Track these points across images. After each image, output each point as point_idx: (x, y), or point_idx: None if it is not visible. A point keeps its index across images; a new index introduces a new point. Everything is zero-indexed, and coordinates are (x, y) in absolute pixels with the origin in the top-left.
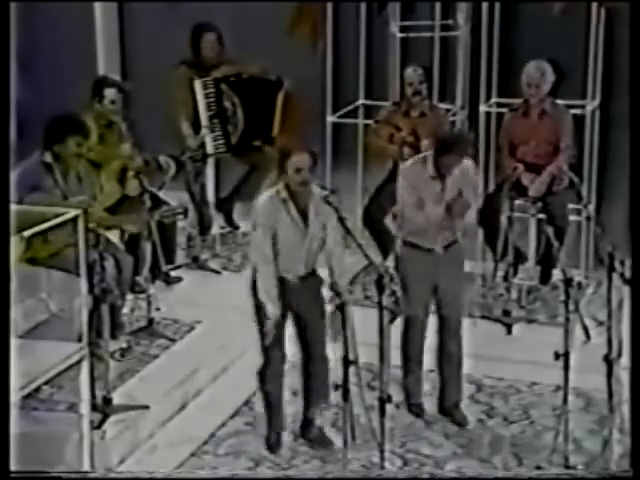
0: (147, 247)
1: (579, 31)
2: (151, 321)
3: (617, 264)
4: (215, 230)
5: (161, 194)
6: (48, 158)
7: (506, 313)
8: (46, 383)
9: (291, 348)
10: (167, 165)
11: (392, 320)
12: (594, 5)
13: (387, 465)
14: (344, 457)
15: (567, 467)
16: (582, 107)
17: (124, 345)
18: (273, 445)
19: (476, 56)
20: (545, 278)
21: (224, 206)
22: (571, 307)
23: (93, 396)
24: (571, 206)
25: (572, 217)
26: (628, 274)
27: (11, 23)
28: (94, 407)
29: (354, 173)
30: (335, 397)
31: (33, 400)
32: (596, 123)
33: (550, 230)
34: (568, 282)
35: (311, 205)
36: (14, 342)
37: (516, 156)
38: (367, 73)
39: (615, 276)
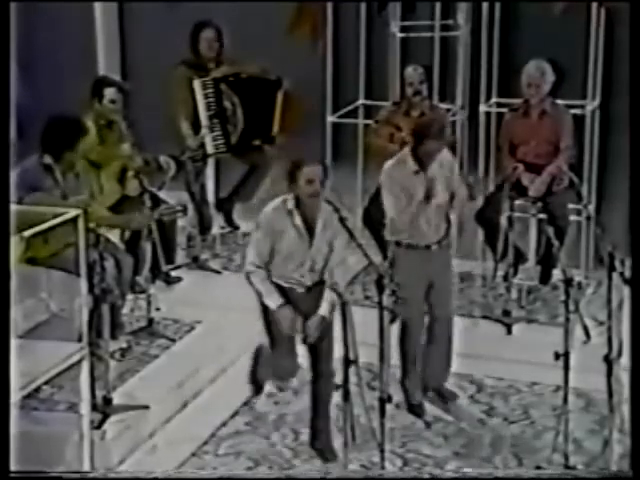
0: (147, 247)
1: (579, 31)
2: (151, 321)
3: (617, 264)
4: (215, 230)
5: (161, 194)
6: (47, 160)
7: (506, 313)
8: (46, 383)
9: None
10: (167, 165)
11: (392, 320)
12: (594, 5)
13: (387, 465)
14: (344, 457)
15: (567, 467)
16: (582, 107)
17: (124, 345)
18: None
19: (476, 56)
20: (545, 278)
21: (224, 206)
22: (571, 307)
23: (93, 396)
24: (571, 206)
25: (572, 217)
26: (628, 274)
27: (11, 23)
28: (94, 407)
29: (354, 173)
30: (335, 397)
31: (33, 400)
32: (596, 123)
33: (550, 230)
34: (568, 282)
35: (319, 219)
36: (14, 342)
37: (516, 156)
38: (367, 73)
39: (615, 276)
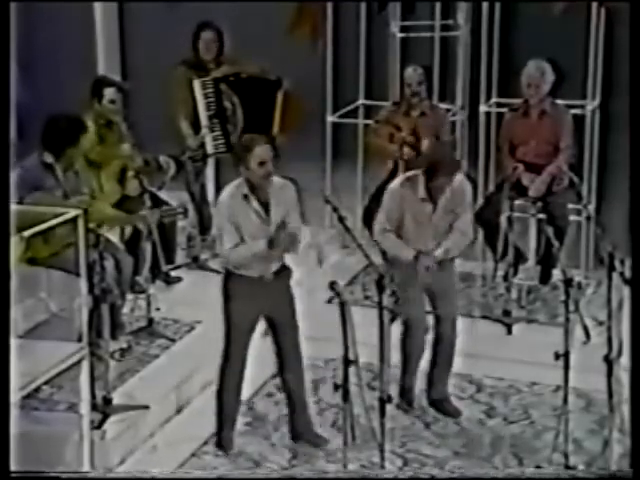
0: (147, 247)
1: (579, 31)
2: (151, 321)
3: (617, 264)
4: (215, 230)
5: (161, 194)
6: (48, 158)
7: (506, 313)
8: (46, 383)
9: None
10: (167, 165)
11: (392, 320)
12: (594, 5)
13: (387, 465)
14: (344, 457)
15: (567, 467)
16: (582, 107)
17: (124, 345)
18: (225, 445)
19: (476, 56)
20: (545, 278)
21: None
22: (571, 307)
23: (93, 396)
24: (571, 206)
25: (572, 217)
26: (628, 274)
27: (11, 23)
28: (94, 407)
29: (354, 173)
30: (335, 397)
31: (33, 400)
32: (596, 123)
33: (550, 230)
34: (568, 282)
35: (271, 196)
36: (14, 342)
37: (516, 156)
38: (367, 73)
39: (615, 276)
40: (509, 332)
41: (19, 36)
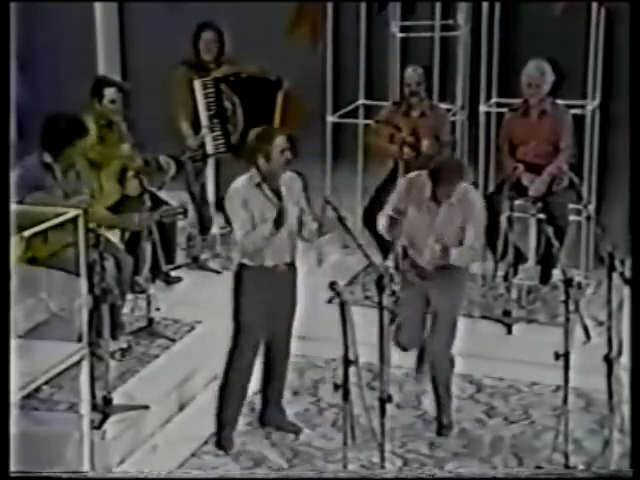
0: (147, 247)
1: (579, 31)
2: (151, 321)
3: (617, 264)
4: (215, 230)
5: (161, 194)
6: (48, 158)
7: (506, 313)
8: (46, 383)
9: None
10: (167, 165)
11: (392, 320)
12: (594, 5)
13: (387, 465)
14: (344, 457)
15: (567, 467)
16: (582, 107)
17: (124, 345)
18: (225, 445)
19: (476, 56)
20: (545, 278)
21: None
22: (571, 307)
23: (93, 396)
24: (571, 206)
25: (572, 217)
26: (628, 274)
27: (11, 23)
28: (94, 407)
29: (354, 173)
30: (335, 397)
31: (33, 400)
32: (596, 123)
33: (550, 230)
34: (568, 282)
35: (283, 186)
36: (14, 342)
37: (516, 156)
38: (367, 73)
39: (615, 276)
40: (509, 332)
41: (19, 36)
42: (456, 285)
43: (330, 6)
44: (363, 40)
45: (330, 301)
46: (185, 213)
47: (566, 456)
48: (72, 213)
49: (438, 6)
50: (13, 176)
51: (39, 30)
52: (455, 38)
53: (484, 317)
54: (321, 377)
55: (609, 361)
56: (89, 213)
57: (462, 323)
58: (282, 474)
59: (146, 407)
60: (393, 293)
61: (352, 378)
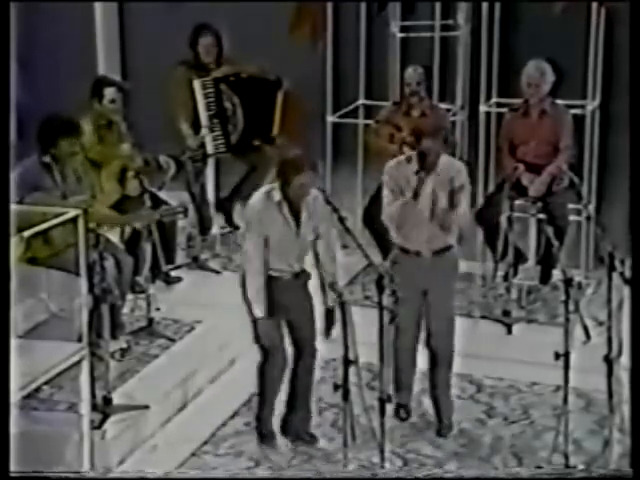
0: (147, 247)
1: (579, 31)
2: (151, 321)
3: (617, 264)
4: (215, 230)
5: (161, 194)
6: (47, 158)
7: (506, 313)
8: (46, 383)
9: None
10: (167, 165)
11: (392, 320)
12: (594, 5)
13: (387, 465)
14: (344, 457)
15: (567, 467)
16: (582, 107)
17: (124, 345)
18: (270, 441)
19: (476, 56)
20: (545, 278)
21: (224, 206)
22: (571, 307)
23: (93, 396)
24: (571, 206)
25: (572, 217)
26: (628, 274)
27: (11, 23)
28: (94, 407)
29: (354, 173)
30: (335, 397)
31: (33, 400)
32: (596, 123)
33: (550, 230)
34: (568, 282)
35: (305, 208)
36: (14, 342)
37: (516, 156)
38: (367, 73)
39: (615, 276)
40: (509, 332)
41: (19, 36)
42: (451, 268)
43: (330, 6)
44: (363, 40)
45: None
46: (185, 212)
47: (566, 456)
48: (72, 213)
49: (438, 6)
50: (13, 176)
51: (39, 30)
52: (455, 38)
53: (484, 317)
54: (321, 377)
55: (609, 361)
56: (91, 213)
57: (462, 323)
58: (282, 474)
59: (146, 407)
60: (393, 293)
61: (352, 378)
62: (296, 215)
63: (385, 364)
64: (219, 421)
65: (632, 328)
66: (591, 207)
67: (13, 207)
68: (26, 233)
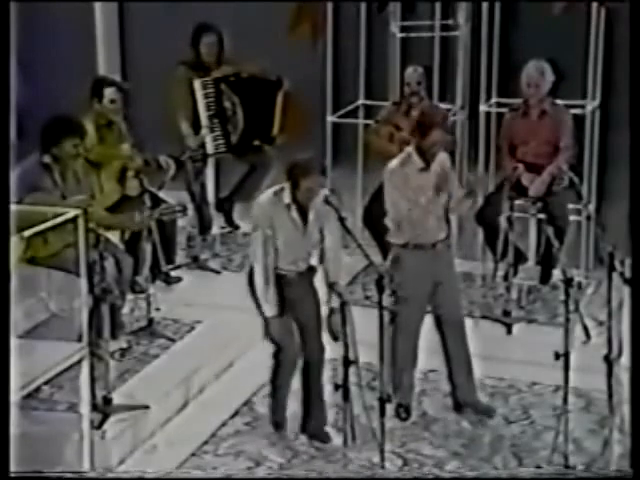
0: (147, 247)
1: (579, 31)
2: (151, 321)
3: (617, 264)
4: (215, 230)
5: (161, 194)
6: (47, 159)
7: (506, 313)
8: (46, 383)
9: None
10: (167, 165)
11: (392, 320)
12: (594, 5)
13: (387, 465)
14: (344, 457)
15: (567, 467)
16: (582, 107)
17: (124, 345)
18: (281, 427)
19: (476, 56)
20: (545, 278)
21: (224, 206)
22: (571, 307)
23: (93, 396)
24: (571, 206)
25: (572, 217)
26: (628, 274)
27: (11, 23)
28: (94, 407)
29: (354, 173)
30: (335, 397)
31: (33, 400)
32: (596, 123)
33: (550, 230)
34: (568, 282)
35: (312, 209)
36: (14, 342)
37: (516, 156)
38: (367, 73)
39: (615, 276)
40: (509, 332)
41: (19, 36)
42: (451, 254)
43: (330, 6)
44: (363, 40)
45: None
46: (185, 211)
47: (566, 456)
48: (72, 213)
49: (438, 6)
50: (13, 176)
51: (39, 30)
52: (455, 38)
53: (484, 317)
54: None
55: (609, 361)
56: (91, 213)
57: None
58: (282, 474)
59: (146, 407)
60: (393, 293)
61: (352, 378)
62: (304, 216)
63: (385, 364)
64: (219, 421)
65: (632, 328)
66: (591, 207)
67: (13, 207)
68: (26, 233)
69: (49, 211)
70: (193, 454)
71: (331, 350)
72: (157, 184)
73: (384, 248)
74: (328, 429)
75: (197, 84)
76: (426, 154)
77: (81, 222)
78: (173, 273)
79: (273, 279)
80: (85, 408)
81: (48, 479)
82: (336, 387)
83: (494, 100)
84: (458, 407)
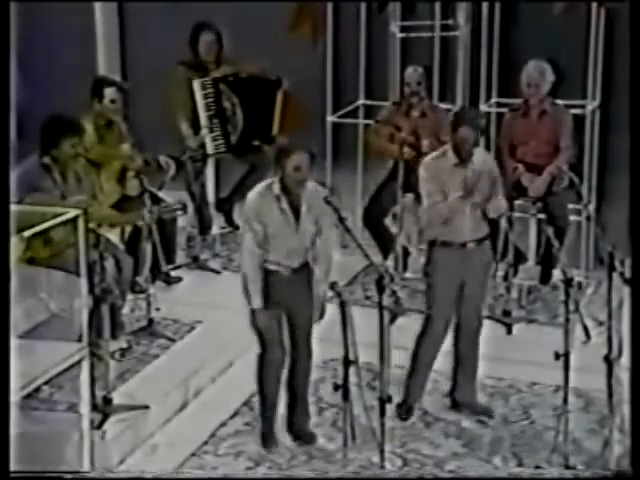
0: (147, 247)
1: (579, 31)
2: (151, 321)
3: (617, 264)
4: (215, 230)
5: (161, 194)
6: (46, 159)
7: (506, 313)
8: (46, 383)
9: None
10: (167, 165)
11: (392, 320)
12: (594, 5)
13: (387, 465)
14: (344, 457)
15: (567, 467)
16: (582, 107)
17: (124, 345)
18: (269, 443)
19: (476, 56)
20: (545, 278)
21: (224, 206)
22: (571, 307)
23: (93, 396)
24: (571, 206)
25: (572, 217)
26: (628, 274)
27: (11, 23)
28: (94, 407)
29: (354, 173)
30: (335, 397)
31: (33, 400)
32: (596, 123)
33: (550, 230)
34: (568, 282)
35: (304, 201)
36: (14, 342)
37: (516, 156)
38: (367, 73)
39: (615, 276)
40: (509, 332)
41: (19, 36)
42: (488, 257)
43: (330, 6)
44: (363, 40)
45: (330, 301)
46: (184, 209)
47: (566, 456)
48: (72, 213)
49: (438, 6)
50: (13, 176)
51: (39, 30)
52: (455, 38)
53: (484, 317)
54: (321, 377)
55: (609, 361)
56: (92, 213)
57: None
58: (282, 474)
59: (146, 407)
60: (393, 293)
61: (352, 378)
62: (296, 209)
63: (385, 364)
64: (219, 421)
65: (632, 328)
66: (591, 207)
67: (13, 207)
68: (26, 233)
69: (49, 211)
70: (193, 454)
71: (331, 350)
72: (157, 184)
73: (384, 248)
74: (312, 429)
75: (196, 84)
76: (460, 150)
77: (81, 222)
78: (173, 273)
79: (260, 272)
80: (85, 408)
81: (48, 479)
82: (336, 387)
83: (494, 100)
84: (456, 405)
